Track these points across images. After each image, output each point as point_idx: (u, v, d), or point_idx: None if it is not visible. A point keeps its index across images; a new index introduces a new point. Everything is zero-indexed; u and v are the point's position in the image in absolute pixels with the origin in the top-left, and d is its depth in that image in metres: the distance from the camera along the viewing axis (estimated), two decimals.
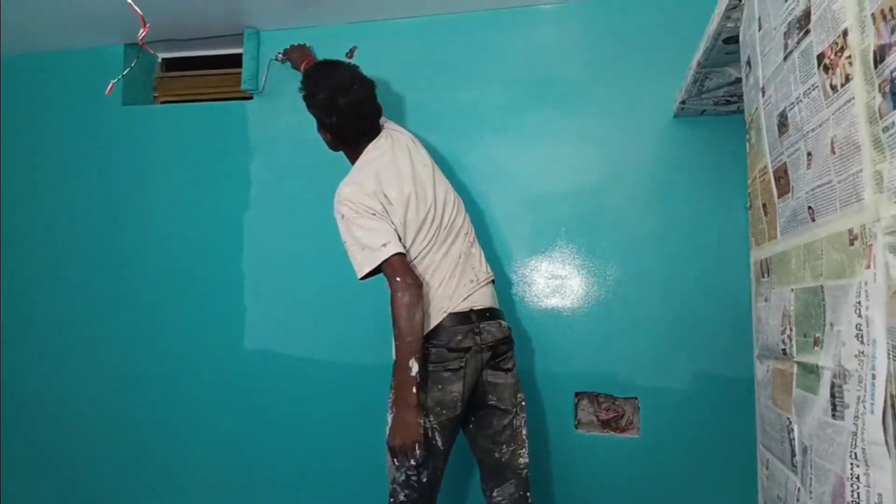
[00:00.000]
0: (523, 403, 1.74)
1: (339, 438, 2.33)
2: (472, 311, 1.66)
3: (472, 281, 1.72)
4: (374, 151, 1.79)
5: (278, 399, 2.41)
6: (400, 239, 1.64)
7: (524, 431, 1.72)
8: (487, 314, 1.70)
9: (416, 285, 1.57)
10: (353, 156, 1.83)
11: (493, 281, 1.82)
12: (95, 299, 2.60)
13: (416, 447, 1.52)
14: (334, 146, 1.85)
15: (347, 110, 1.72)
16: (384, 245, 1.59)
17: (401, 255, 1.61)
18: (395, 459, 1.55)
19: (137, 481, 2.52)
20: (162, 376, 2.52)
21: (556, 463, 2.18)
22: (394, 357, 1.58)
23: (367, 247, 1.61)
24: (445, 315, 1.63)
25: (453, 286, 1.68)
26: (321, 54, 2.37)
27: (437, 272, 1.68)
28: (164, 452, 2.50)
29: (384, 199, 1.68)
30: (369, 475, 2.17)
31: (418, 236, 1.69)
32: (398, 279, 1.57)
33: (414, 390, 1.52)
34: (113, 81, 1.15)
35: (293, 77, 2.49)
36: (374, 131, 1.84)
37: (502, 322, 1.75)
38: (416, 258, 1.69)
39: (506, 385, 1.69)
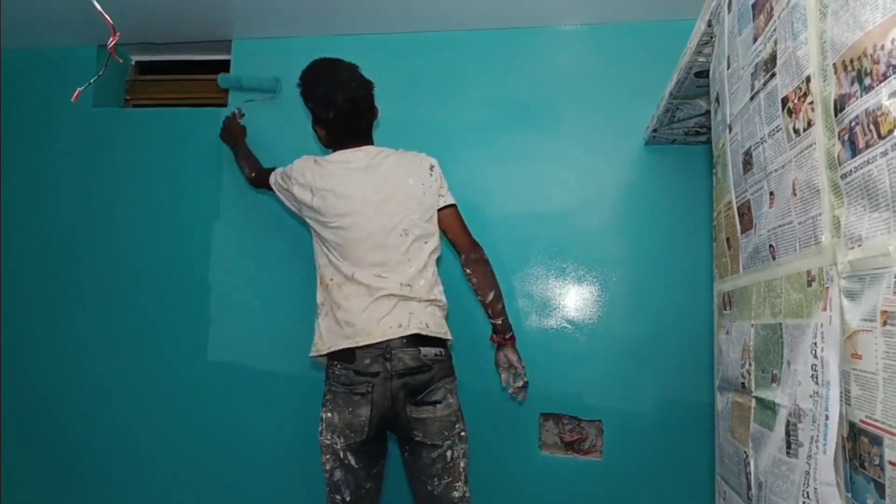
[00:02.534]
0: (462, 434, 1.66)
1: (302, 452, 2.29)
2: (387, 340, 1.61)
3: (388, 296, 1.64)
4: (350, 155, 1.77)
5: (241, 412, 2.37)
6: (295, 207, 1.85)
7: (462, 464, 1.64)
8: (405, 340, 1.62)
9: (258, 174, 2.07)
10: (335, 149, 1.82)
11: (432, 301, 1.71)
12: (62, 303, 2.53)
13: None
14: (328, 143, 1.82)
15: (346, 108, 1.72)
16: (280, 182, 1.87)
17: (268, 185, 1.94)
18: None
19: (101, 491, 2.45)
20: (124, 383, 2.45)
21: (518, 484, 2.17)
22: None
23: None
24: (356, 345, 1.60)
25: (372, 313, 1.63)
26: (302, 66, 2.36)
27: (353, 298, 1.65)
28: (127, 463, 2.43)
29: (305, 200, 1.75)
30: None
31: (344, 255, 1.69)
32: (259, 171, 2.07)
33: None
34: (79, 89, 1.12)
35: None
36: (366, 134, 1.82)
37: (423, 349, 1.63)
38: (332, 279, 1.70)
39: (433, 419, 1.61)
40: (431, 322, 1.67)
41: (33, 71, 2.65)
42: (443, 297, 1.75)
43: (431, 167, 1.81)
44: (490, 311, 1.81)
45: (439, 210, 1.79)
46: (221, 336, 2.42)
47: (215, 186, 2.47)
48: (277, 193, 1.90)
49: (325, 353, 1.66)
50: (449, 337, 1.72)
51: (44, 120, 2.61)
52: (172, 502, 2.40)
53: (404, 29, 2.40)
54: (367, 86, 1.78)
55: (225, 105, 2.53)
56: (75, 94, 1.12)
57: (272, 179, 1.91)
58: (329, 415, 1.62)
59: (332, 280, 1.70)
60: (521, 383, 1.83)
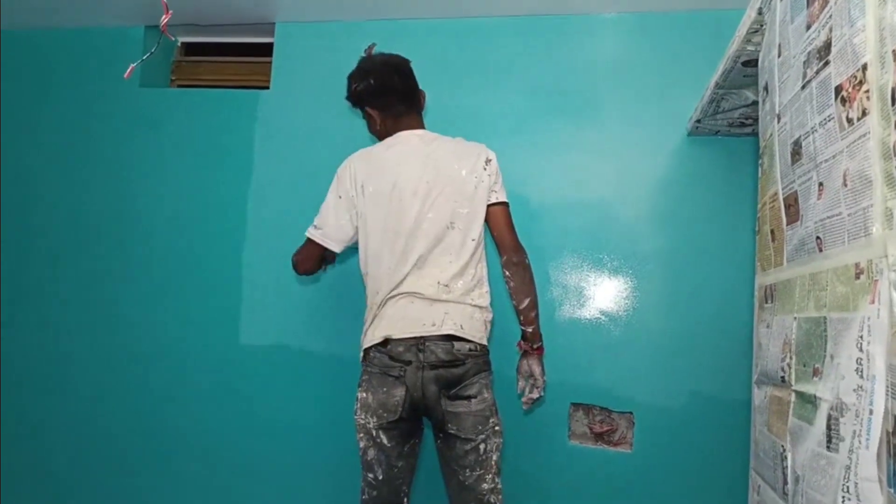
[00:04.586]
0: (497, 428, 1.65)
1: (333, 434, 2.33)
2: (421, 336, 1.62)
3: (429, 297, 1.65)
4: (405, 137, 1.76)
5: (274, 395, 2.41)
6: (351, 227, 1.75)
7: (495, 457, 1.64)
8: (438, 336, 1.63)
9: (298, 262, 1.82)
10: (389, 132, 1.79)
11: (469, 304, 1.68)
12: (99, 282, 2.59)
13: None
14: (382, 123, 1.78)
15: (383, 70, 1.75)
16: (315, 226, 1.78)
17: (313, 242, 1.77)
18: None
19: (133, 476, 2.50)
20: (161, 367, 2.51)
21: (546, 472, 2.18)
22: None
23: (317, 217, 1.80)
24: (391, 336, 1.64)
25: (405, 310, 1.65)
26: (344, 49, 2.38)
27: (391, 298, 1.67)
28: (158, 447, 2.48)
29: (360, 189, 1.71)
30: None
31: (386, 249, 1.69)
32: (298, 249, 1.82)
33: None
34: (133, 65, 1.15)
35: (310, 71, 2.51)
36: (417, 111, 1.82)
37: (456, 344, 1.63)
38: (377, 290, 1.70)
39: (468, 413, 1.61)
40: (467, 324, 1.65)
41: (82, 50, 2.72)
42: (483, 301, 1.70)
43: (488, 161, 1.74)
44: (522, 318, 1.75)
45: (489, 206, 1.73)
46: (254, 319, 2.45)
47: (249, 168, 2.51)
48: (322, 232, 1.77)
49: (365, 348, 1.69)
50: (483, 342, 1.69)
51: (92, 99, 2.68)
52: (205, 485, 2.45)
53: (446, 14, 2.40)
54: (402, 57, 1.82)
55: (267, 87, 2.56)
56: (129, 70, 1.15)
57: (310, 232, 1.79)
58: (364, 395, 1.65)
59: (377, 293, 1.70)
60: (536, 395, 1.77)
